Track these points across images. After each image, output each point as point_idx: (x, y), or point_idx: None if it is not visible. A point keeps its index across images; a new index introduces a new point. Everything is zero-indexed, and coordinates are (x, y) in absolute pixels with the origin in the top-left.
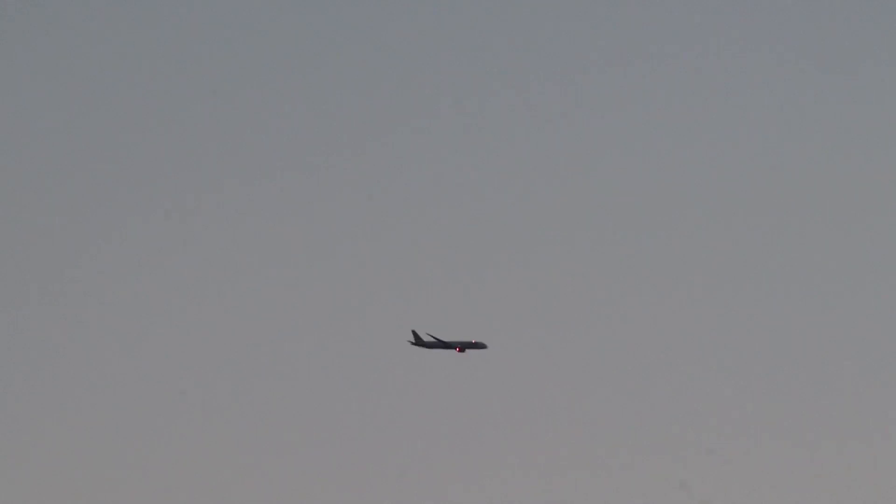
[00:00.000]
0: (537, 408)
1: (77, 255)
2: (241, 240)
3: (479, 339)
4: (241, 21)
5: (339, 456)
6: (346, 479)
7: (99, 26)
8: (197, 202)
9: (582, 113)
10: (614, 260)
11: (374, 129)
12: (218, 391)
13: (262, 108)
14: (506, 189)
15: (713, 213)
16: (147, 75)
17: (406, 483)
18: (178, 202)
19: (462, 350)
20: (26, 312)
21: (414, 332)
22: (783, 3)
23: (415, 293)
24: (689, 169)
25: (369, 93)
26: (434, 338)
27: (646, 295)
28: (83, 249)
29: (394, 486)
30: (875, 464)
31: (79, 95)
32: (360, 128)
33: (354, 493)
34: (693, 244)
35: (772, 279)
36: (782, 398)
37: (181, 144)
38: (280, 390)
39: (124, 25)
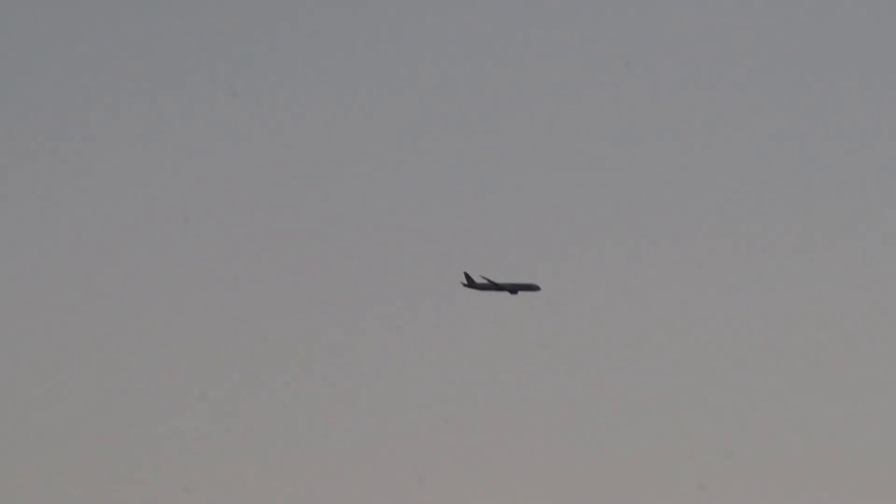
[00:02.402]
0: (590, 350)
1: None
2: (286, 178)
3: (532, 281)
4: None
5: (390, 398)
6: (398, 421)
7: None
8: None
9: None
10: (674, 201)
11: (425, 71)
12: (267, 332)
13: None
14: (560, 130)
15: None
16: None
17: (458, 424)
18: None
19: (515, 292)
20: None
21: (466, 275)
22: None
23: (468, 235)
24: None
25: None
26: (487, 280)
27: (707, 236)
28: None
29: (447, 428)
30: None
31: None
32: (409, 69)
33: (407, 434)
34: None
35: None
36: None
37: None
38: (330, 333)
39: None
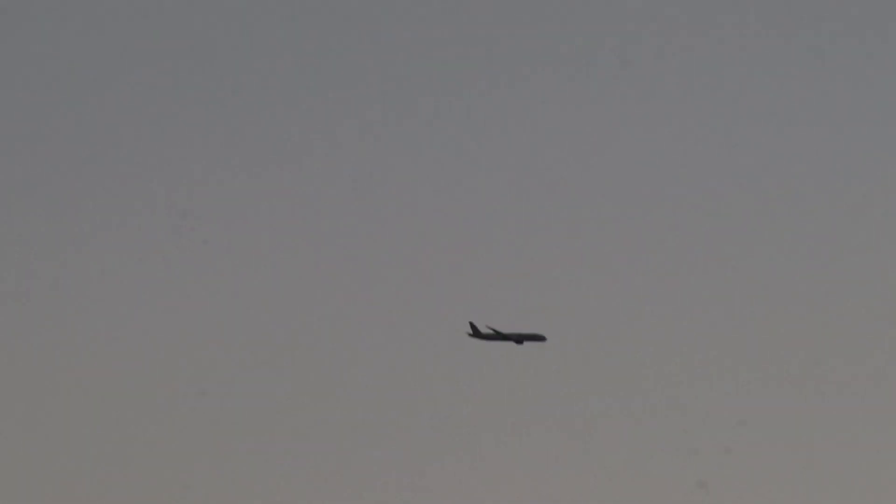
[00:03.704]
0: (597, 401)
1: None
2: (289, 226)
3: (538, 331)
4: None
5: (393, 449)
6: (399, 472)
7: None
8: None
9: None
10: (680, 249)
11: (428, 110)
12: (264, 383)
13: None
14: (565, 177)
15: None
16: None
17: (461, 477)
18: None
19: (521, 342)
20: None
21: (472, 324)
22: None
23: (473, 284)
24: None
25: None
26: (492, 329)
27: (711, 284)
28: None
29: (449, 480)
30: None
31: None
32: (412, 105)
33: (411, 485)
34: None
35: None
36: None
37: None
38: (333, 382)
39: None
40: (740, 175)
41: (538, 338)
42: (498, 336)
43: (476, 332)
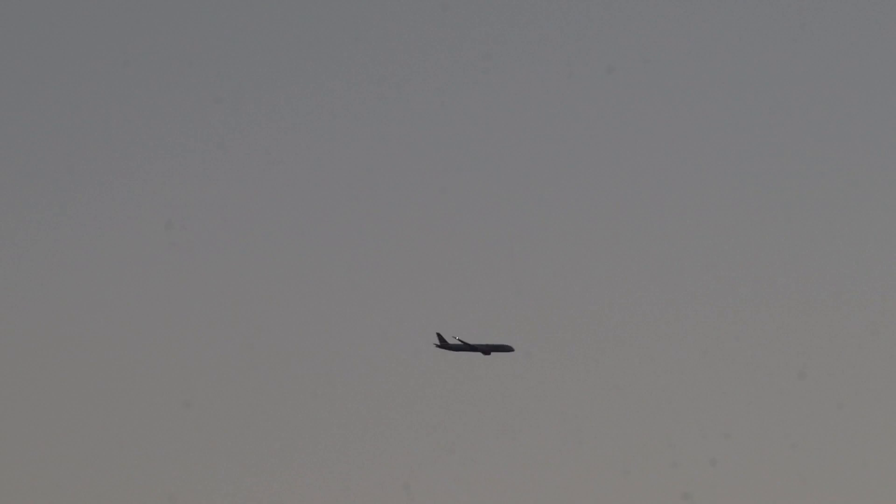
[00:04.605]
0: (564, 412)
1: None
2: (261, 238)
3: (505, 342)
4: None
5: (361, 461)
6: (368, 484)
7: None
8: (206, 197)
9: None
10: (646, 260)
11: (391, 123)
12: (235, 396)
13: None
14: (532, 189)
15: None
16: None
17: (429, 489)
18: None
19: (488, 353)
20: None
21: (439, 335)
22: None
23: (440, 295)
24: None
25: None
26: (460, 340)
27: (680, 295)
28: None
29: (417, 492)
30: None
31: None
32: (376, 122)
33: (378, 498)
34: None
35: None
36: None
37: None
38: (301, 394)
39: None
40: (705, 178)
41: (505, 348)
42: (465, 347)
43: (444, 343)
